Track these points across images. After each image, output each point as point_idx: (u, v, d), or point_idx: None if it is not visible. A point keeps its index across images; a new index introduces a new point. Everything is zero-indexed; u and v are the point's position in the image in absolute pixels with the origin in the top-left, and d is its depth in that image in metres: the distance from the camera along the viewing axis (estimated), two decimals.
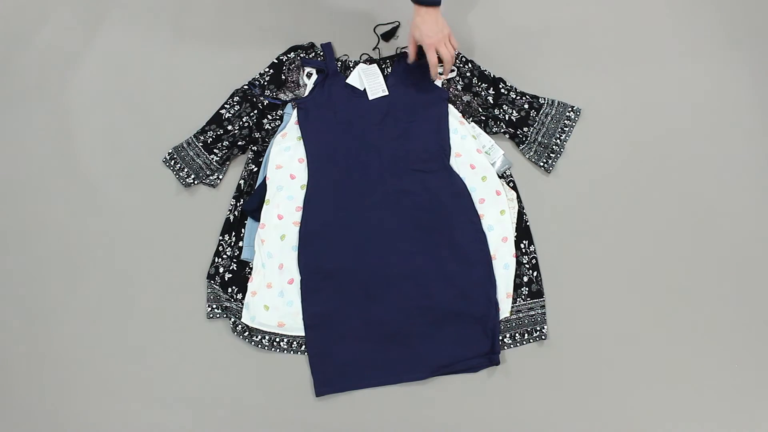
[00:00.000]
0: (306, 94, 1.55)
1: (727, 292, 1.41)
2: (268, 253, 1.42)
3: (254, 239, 1.45)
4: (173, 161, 1.55)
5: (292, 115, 1.53)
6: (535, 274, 1.42)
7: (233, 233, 1.48)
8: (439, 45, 1.36)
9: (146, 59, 1.69)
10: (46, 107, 1.66)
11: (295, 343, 1.41)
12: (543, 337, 1.38)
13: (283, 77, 1.59)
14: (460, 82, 1.56)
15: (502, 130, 1.53)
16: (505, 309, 1.38)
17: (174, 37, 1.70)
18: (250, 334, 1.42)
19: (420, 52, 1.45)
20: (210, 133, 1.55)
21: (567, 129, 1.53)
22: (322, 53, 1.62)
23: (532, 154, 1.52)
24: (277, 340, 1.41)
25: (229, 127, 1.55)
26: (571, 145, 1.53)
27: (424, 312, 1.36)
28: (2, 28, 1.74)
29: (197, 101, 1.61)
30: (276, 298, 1.39)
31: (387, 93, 1.52)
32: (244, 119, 1.55)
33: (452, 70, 1.56)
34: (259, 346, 1.41)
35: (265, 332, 1.41)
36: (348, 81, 1.53)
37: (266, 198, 1.45)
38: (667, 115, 1.55)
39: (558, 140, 1.52)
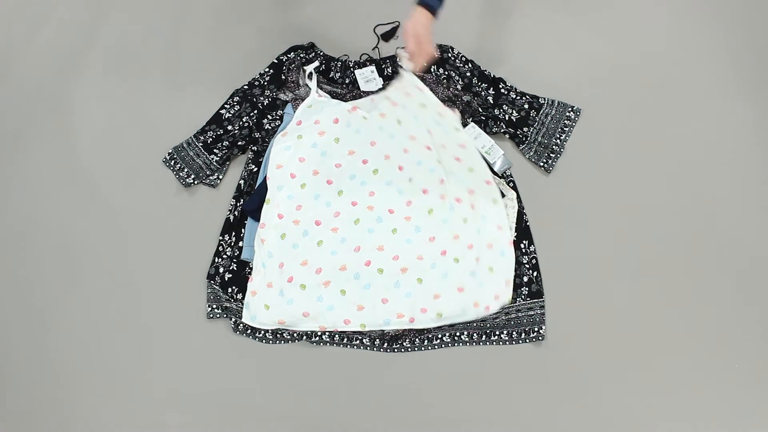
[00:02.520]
0: (307, 94, 1.56)
1: (727, 292, 1.41)
2: (269, 252, 1.42)
3: (254, 239, 1.45)
4: (173, 161, 1.55)
5: (292, 115, 1.53)
6: (534, 274, 1.42)
7: (233, 233, 1.48)
8: (415, 38, 1.34)
9: (146, 59, 1.69)
10: (46, 107, 1.66)
11: (296, 334, 1.42)
12: (540, 338, 1.38)
13: (283, 77, 1.59)
14: (460, 82, 1.56)
15: (502, 130, 1.53)
16: (505, 296, 1.38)
17: (174, 37, 1.70)
18: (252, 330, 1.42)
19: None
20: (210, 133, 1.55)
21: (567, 129, 1.53)
22: (321, 53, 1.62)
23: (532, 154, 1.52)
24: (281, 332, 1.41)
25: (229, 127, 1.55)
26: (571, 145, 1.53)
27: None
28: (2, 28, 1.74)
29: (197, 101, 1.61)
30: (276, 297, 1.39)
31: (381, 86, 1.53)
32: (244, 119, 1.55)
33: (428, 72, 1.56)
34: (264, 341, 1.42)
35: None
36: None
37: (267, 197, 1.45)
38: (667, 115, 1.55)
39: (558, 140, 1.52)
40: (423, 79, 1.55)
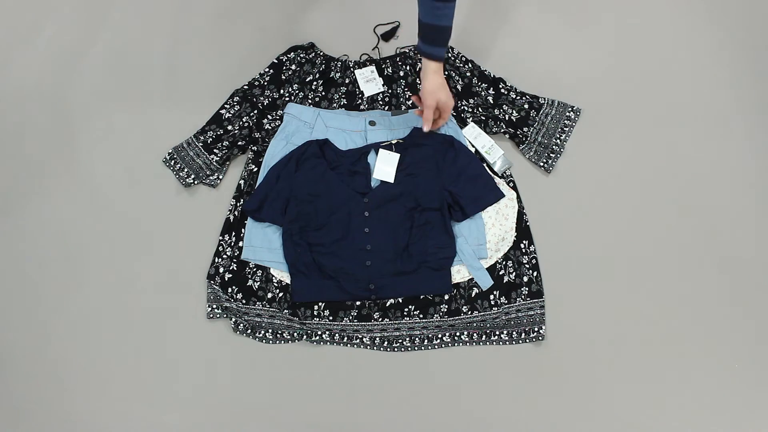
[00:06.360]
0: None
1: (727, 292, 1.41)
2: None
3: (254, 239, 1.45)
4: (173, 161, 1.55)
5: (292, 116, 1.53)
6: (535, 274, 1.42)
7: (233, 233, 1.48)
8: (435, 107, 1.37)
9: (146, 59, 1.69)
10: (46, 107, 1.66)
11: (296, 333, 1.42)
12: (540, 338, 1.38)
13: (283, 77, 1.59)
14: (460, 82, 1.56)
15: (502, 130, 1.53)
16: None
17: (174, 37, 1.70)
18: (252, 331, 1.42)
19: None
20: (210, 133, 1.55)
21: (567, 129, 1.53)
22: (321, 53, 1.62)
23: (532, 154, 1.52)
24: (280, 332, 1.42)
25: (229, 127, 1.55)
26: (571, 145, 1.53)
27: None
28: (2, 28, 1.75)
29: (197, 101, 1.61)
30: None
31: (383, 89, 1.53)
32: (244, 119, 1.55)
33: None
34: (263, 341, 1.42)
35: (268, 327, 1.42)
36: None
37: None
38: (667, 116, 1.55)
39: (558, 140, 1.52)
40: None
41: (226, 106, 1.57)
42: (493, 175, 1.49)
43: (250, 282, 1.44)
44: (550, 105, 1.54)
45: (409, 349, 1.41)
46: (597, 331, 1.40)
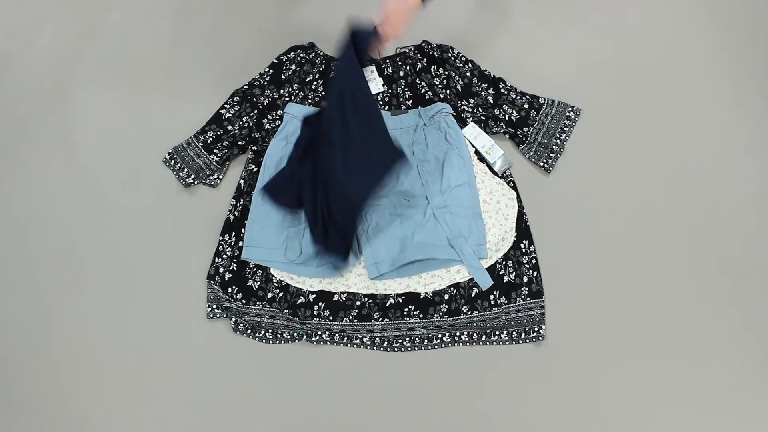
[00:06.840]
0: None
1: (727, 292, 1.41)
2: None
3: (254, 239, 1.45)
4: (173, 161, 1.55)
5: (292, 115, 1.53)
6: (535, 274, 1.42)
7: (233, 233, 1.48)
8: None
9: (146, 59, 1.69)
10: (46, 107, 1.66)
11: (296, 333, 1.42)
12: (540, 338, 1.38)
13: (283, 77, 1.59)
14: (460, 82, 1.56)
15: (502, 130, 1.53)
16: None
17: (174, 38, 1.71)
18: (252, 331, 1.42)
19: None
20: (210, 133, 1.55)
21: (567, 129, 1.53)
22: (321, 53, 1.62)
23: (532, 154, 1.52)
24: (280, 332, 1.42)
25: (229, 127, 1.55)
26: (571, 145, 1.53)
27: None
28: (2, 28, 1.75)
29: (197, 101, 1.61)
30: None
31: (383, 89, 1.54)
32: (244, 119, 1.55)
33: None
34: (263, 341, 1.42)
35: (268, 327, 1.42)
36: None
37: None
38: (667, 116, 1.55)
39: (558, 140, 1.52)
40: (422, 80, 1.55)
41: (226, 106, 1.57)
42: (493, 175, 1.49)
43: (250, 282, 1.44)
44: (550, 105, 1.54)
45: (409, 349, 1.41)
46: (597, 331, 1.39)
